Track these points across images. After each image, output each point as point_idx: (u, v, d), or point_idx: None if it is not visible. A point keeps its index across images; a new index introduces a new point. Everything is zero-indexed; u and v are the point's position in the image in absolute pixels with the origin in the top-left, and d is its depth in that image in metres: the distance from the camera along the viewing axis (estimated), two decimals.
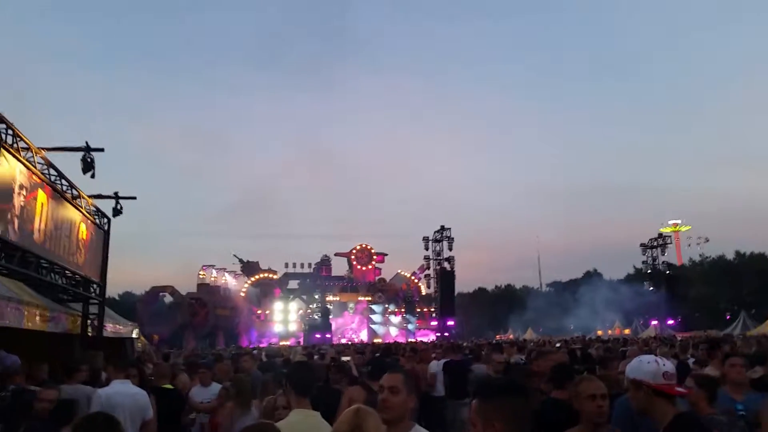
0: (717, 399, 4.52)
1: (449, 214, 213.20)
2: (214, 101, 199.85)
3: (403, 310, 61.73)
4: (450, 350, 11.68)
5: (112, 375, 6.10)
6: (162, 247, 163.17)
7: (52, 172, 11.85)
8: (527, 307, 67.53)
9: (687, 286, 60.43)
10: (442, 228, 57.71)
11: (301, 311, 59.60)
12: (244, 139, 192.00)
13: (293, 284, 64.17)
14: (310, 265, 64.57)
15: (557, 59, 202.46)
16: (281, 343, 49.53)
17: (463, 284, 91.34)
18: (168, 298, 61.62)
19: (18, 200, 9.66)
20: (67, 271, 12.99)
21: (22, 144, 10.14)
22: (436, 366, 10.44)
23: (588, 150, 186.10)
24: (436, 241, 57.94)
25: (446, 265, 56.57)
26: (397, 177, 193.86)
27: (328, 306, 58.45)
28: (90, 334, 14.38)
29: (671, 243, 60.53)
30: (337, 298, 60.99)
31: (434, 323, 58.25)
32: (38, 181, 10.71)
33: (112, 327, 16.08)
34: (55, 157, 12.04)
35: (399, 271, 67.71)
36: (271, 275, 63.53)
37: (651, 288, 56.67)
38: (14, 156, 9.52)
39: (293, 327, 58.60)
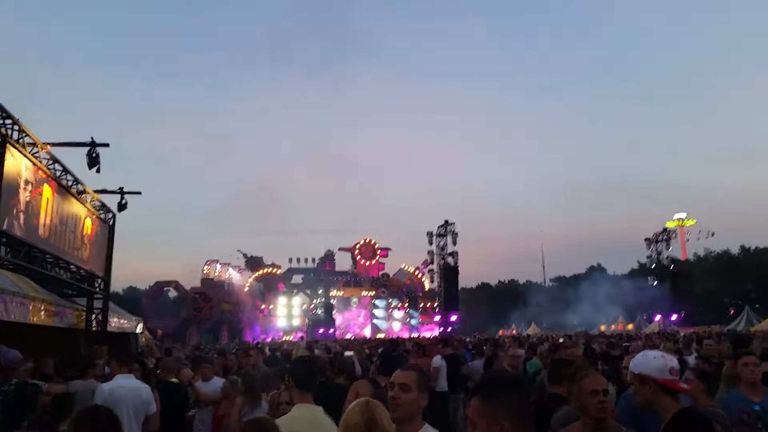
0: (731, 399, 4.55)
1: (453, 209, 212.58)
2: (218, 98, 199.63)
3: (406, 305, 61.78)
4: (444, 344, 11.78)
5: (115, 369, 6.13)
6: (166, 243, 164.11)
7: (58, 167, 11.89)
8: (531, 302, 67.52)
9: (691, 281, 60.28)
10: (446, 223, 57.66)
11: (304, 306, 59.72)
12: (248, 136, 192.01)
13: (297, 279, 64.27)
14: (313, 260, 64.69)
15: (562, 54, 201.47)
16: (284, 338, 49.70)
17: (467, 279, 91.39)
18: (172, 293, 61.91)
19: (23, 195, 9.70)
20: (71, 266, 13.06)
21: (27, 140, 10.18)
22: (439, 360, 10.46)
23: (592, 144, 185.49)
24: (440, 236, 57.89)
25: (450, 260, 56.57)
26: (401, 172, 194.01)
27: (332, 301, 58.55)
28: (94, 328, 14.45)
29: (676, 237, 60.33)
30: (341, 293, 61.05)
31: (437, 318, 58.30)
32: (43, 176, 10.76)
33: (117, 322, 16.16)
34: (60, 153, 12.09)
35: (403, 266, 67.72)
36: (274, 270, 63.65)
37: (655, 283, 56.56)
38: (20, 151, 9.56)
39: (297, 322, 58.72)
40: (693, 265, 69.33)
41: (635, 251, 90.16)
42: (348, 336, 51.52)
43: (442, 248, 57.55)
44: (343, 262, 67.45)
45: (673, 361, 3.05)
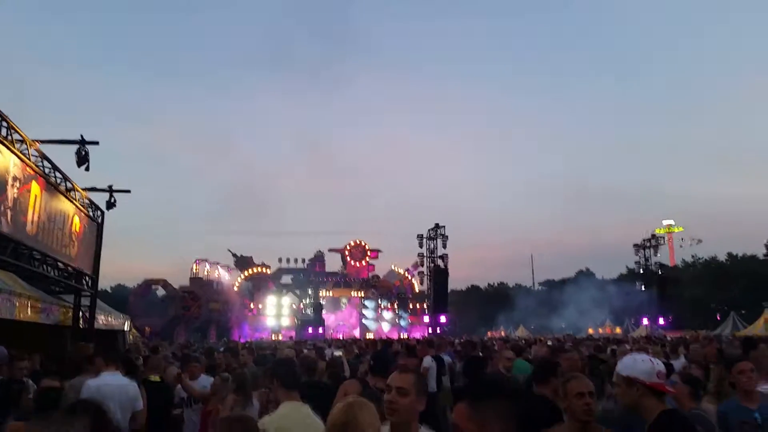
0: (731, 409, 4.44)
1: (444, 212, 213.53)
2: (210, 98, 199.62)
3: (396, 306, 61.83)
4: (428, 346, 11.81)
5: (102, 367, 6.11)
6: (155, 241, 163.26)
7: (47, 164, 11.82)
8: (519, 305, 67.82)
9: (679, 287, 60.77)
10: (437, 226, 57.78)
11: (294, 306, 59.61)
12: (242, 136, 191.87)
13: (287, 279, 64.12)
14: (303, 260, 64.53)
15: (555, 59, 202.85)
16: (273, 338, 49.58)
17: (457, 282, 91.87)
18: (161, 291, 61.56)
19: (11, 192, 9.64)
20: (59, 263, 12.98)
21: (16, 136, 10.11)
22: (430, 361, 10.49)
23: (583, 150, 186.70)
24: (430, 238, 57.99)
25: (440, 262, 56.68)
26: (392, 174, 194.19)
27: (321, 301, 58.48)
28: (81, 326, 14.37)
29: (664, 244, 60.80)
30: (330, 294, 60.98)
31: (427, 320, 58.37)
32: (32, 173, 10.69)
33: (104, 319, 16.08)
34: (49, 150, 12.02)
35: (393, 267, 67.77)
36: (264, 270, 63.47)
37: (643, 288, 56.97)
38: (8, 148, 9.50)
39: (286, 322, 58.59)
40: (681, 271, 69.93)
41: (624, 257, 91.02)
42: (340, 336, 51.40)
43: (432, 251, 57.69)
44: (333, 263, 67.48)
45: (660, 365, 3.10)
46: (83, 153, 12.83)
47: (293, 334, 53.43)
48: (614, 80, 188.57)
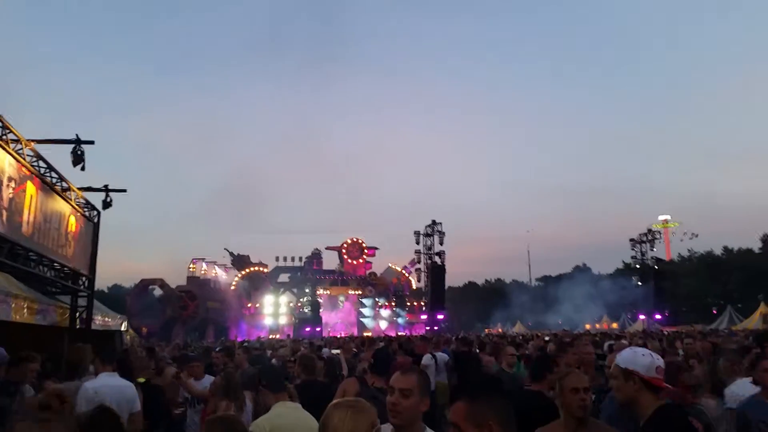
0: (753, 406, 4.34)
1: (441, 209, 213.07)
2: (205, 96, 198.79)
3: (393, 303, 61.87)
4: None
5: (99, 368, 6.09)
6: (152, 240, 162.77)
7: (42, 164, 11.78)
8: (516, 301, 67.97)
9: (675, 281, 60.95)
10: (434, 222, 57.85)
11: (291, 304, 59.61)
12: (237, 134, 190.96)
13: (284, 278, 64.13)
14: (300, 258, 64.51)
15: (549, 57, 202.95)
16: (270, 337, 49.58)
17: (454, 278, 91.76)
18: (158, 291, 61.47)
19: (6, 192, 9.61)
20: (55, 264, 12.95)
21: (11, 136, 10.08)
22: (429, 359, 10.49)
23: (579, 146, 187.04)
24: (427, 235, 58.03)
25: (437, 259, 56.73)
26: (388, 171, 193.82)
27: (319, 299, 58.48)
28: (78, 326, 14.34)
29: (660, 238, 61.01)
30: (328, 292, 61.00)
31: (424, 317, 58.44)
32: (27, 173, 10.66)
33: (101, 320, 16.07)
34: (45, 150, 11.98)
35: (390, 264, 67.82)
36: (261, 269, 63.44)
37: (639, 283, 57.14)
38: (3, 148, 9.47)
39: (284, 320, 58.62)
40: (677, 266, 70.10)
41: (620, 251, 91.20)
42: (338, 335, 51.44)
43: (429, 248, 57.74)
44: (330, 261, 67.46)
45: (659, 360, 3.09)
46: (79, 152, 12.81)
47: (291, 332, 53.44)
48: (609, 76, 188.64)
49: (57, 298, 13.96)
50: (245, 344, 22.30)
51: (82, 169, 13.09)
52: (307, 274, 62.89)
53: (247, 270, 62.68)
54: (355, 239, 66.06)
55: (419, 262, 59.53)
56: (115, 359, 6.48)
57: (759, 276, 56.44)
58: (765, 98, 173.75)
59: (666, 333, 24.75)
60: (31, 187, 10.79)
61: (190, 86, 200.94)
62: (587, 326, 54.70)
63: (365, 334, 51.08)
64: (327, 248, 66.88)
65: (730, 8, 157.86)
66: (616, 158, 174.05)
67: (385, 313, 61.81)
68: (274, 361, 8.69)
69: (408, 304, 62.44)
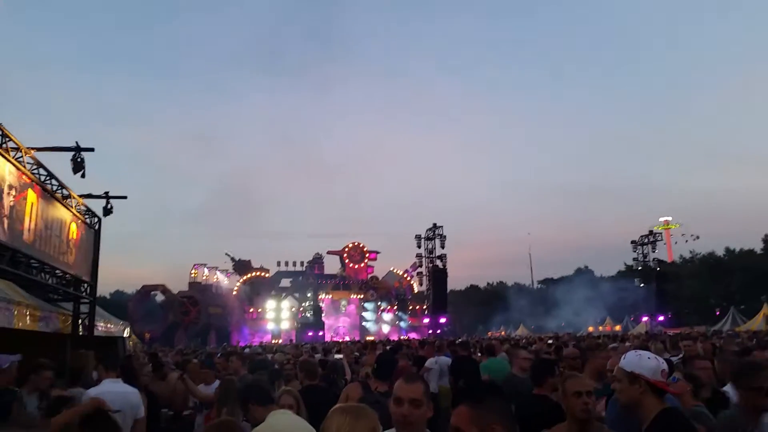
0: None
1: (442, 212, 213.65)
2: (205, 102, 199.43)
3: (395, 307, 61.82)
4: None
5: (103, 374, 6.10)
6: (153, 246, 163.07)
7: (42, 171, 11.78)
8: (519, 304, 67.83)
9: (677, 283, 60.83)
10: (435, 226, 57.96)
11: (293, 309, 59.57)
12: (236, 139, 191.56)
13: (285, 282, 64.07)
14: (302, 263, 64.48)
15: (549, 58, 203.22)
16: (273, 341, 49.53)
17: (456, 281, 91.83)
18: (159, 297, 61.46)
19: (7, 200, 9.61)
20: (57, 271, 12.94)
21: (11, 144, 10.09)
22: (433, 362, 10.47)
23: (579, 148, 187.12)
24: (428, 239, 58.15)
25: (438, 262, 56.73)
26: (389, 175, 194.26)
27: (321, 304, 58.43)
28: (81, 333, 14.33)
29: (662, 240, 60.93)
30: (330, 296, 60.99)
31: (427, 321, 58.37)
32: (28, 181, 10.66)
33: (104, 326, 16.03)
34: (45, 158, 11.99)
35: (391, 268, 67.77)
36: (263, 273, 63.41)
37: (641, 284, 57.01)
38: (3, 156, 9.47)
39: (286, 325, 58.57)
40: (679, 267, 69.94)
41: (622, 253, 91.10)
42: (339, 339, 51.38)
43: (431, 251, 57.76)
44: (331, 266, 67.46)
45: (664, 364, 3.10)
46: (79, 160, 12.82)
47: (293, 337, 53.39)
48: (610, 77, 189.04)
49: (59, 305, 13.95)
50: (246, 349, 22.29)
51: (83, 176, 13.10)
52: (309, 278, 62.88)
53: (249, 275, 62.66)
54: (356, 243, 66.06)
55: (421, 265, 59.61)
56: (119, 365, 6.48)
57: (762, 277, 56.26)
58: (765, 98, 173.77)
59: (671, 334, 24.69)
60: (31, 195, 10.80)
61: (190, 90, 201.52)
62: (590, 329, 54.56)
63: (368, 338, 51.03)
64: (328, 252, 66.94)
65: (730, 8, 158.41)
66: (616, 159, 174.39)
67: (387, 317, 61.74)
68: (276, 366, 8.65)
69: (410, 307, 62.39)
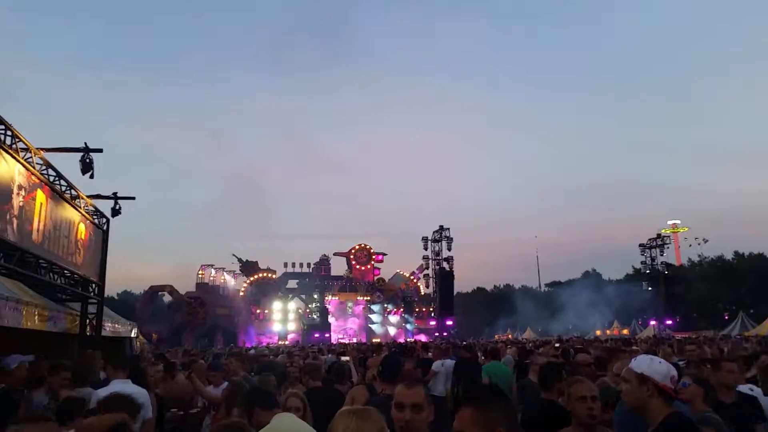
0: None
1: (448, 214, 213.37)
2: (212, 103, 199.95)
3: (401, 309, 61.74)
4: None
5: (112, 374, 6.12)
6: (161, 247, 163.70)
7: (51, 172, 11.86)
8: (526, 307, 67.60)
9: (685, 287, 60.47)
10: (441, 228, 57.89)
11: (300, 310, 59.62)
12: (243, 140, 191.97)
13: (292, 284, 64.09)
14: (309, 264, 64.51)
15: (556, 58, 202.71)
16: (280, 343, 49.59)
17: (462, 284, 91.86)
18: (167, 298, 61.70)
19: (17, 200, 9.68)
20: (65, 271, 13.01)
21: (20, 145, 10.16)
22: (439, 365, 10.42)
23: (587, 150, 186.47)
24: (435, 241, 58.07)
25: (445, 265, 56.63)
26: (396, 177, 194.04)
27: (327, 305, 58.45)
28: (89, 333, 14.41)
29: (670, 243, 60.56)
30: (336, 298, 60.99)
31: (433, 323, 58.26)
32: (37, 181, 10.73)
33: (111, 326, 16.11)
34: (54, 158, 12.07)
35: (398, 270, 67.74)
36: (270, 275, 63.49)
37: (649, 288, 56.70)
38: (13, 157, 9.54)
39: (292, 326, 58.63)
40: (687, 271, 69.55)
41: (630, 257, 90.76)
42: (351, 340, 51.34)
43: (437, 253, 57.68)
44: (338, 267, 67.49)
45: (673, 370, 3.09)
46: (87, 161, 12.90)
47: (299, 339, 53.43)
48: (616, 78, 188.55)
49: (67, 305, 14.03)
50: (252, 351, 22.32)
51: (91, 177, 13.17)
52: (316, 280, 62.86)
53: (256, 276, 62.74)
54: (363, 245, 66.03)
55: (427, 267, 59.51)
56: (127, 366, 6.50)
57: None
58: None
59: (679, 338, 24.56)
60: (41, 195, 10.87)
61: (199, 96, 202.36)
62: (597, 332, 54.33)
63: (374, 340, 51.01)
64: (335, 254, 66.93)
65: (730, 9, 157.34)
66: (625, 162, 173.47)
67: (393, 319, 61.68)
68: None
69: (417, 310, 62.31)
